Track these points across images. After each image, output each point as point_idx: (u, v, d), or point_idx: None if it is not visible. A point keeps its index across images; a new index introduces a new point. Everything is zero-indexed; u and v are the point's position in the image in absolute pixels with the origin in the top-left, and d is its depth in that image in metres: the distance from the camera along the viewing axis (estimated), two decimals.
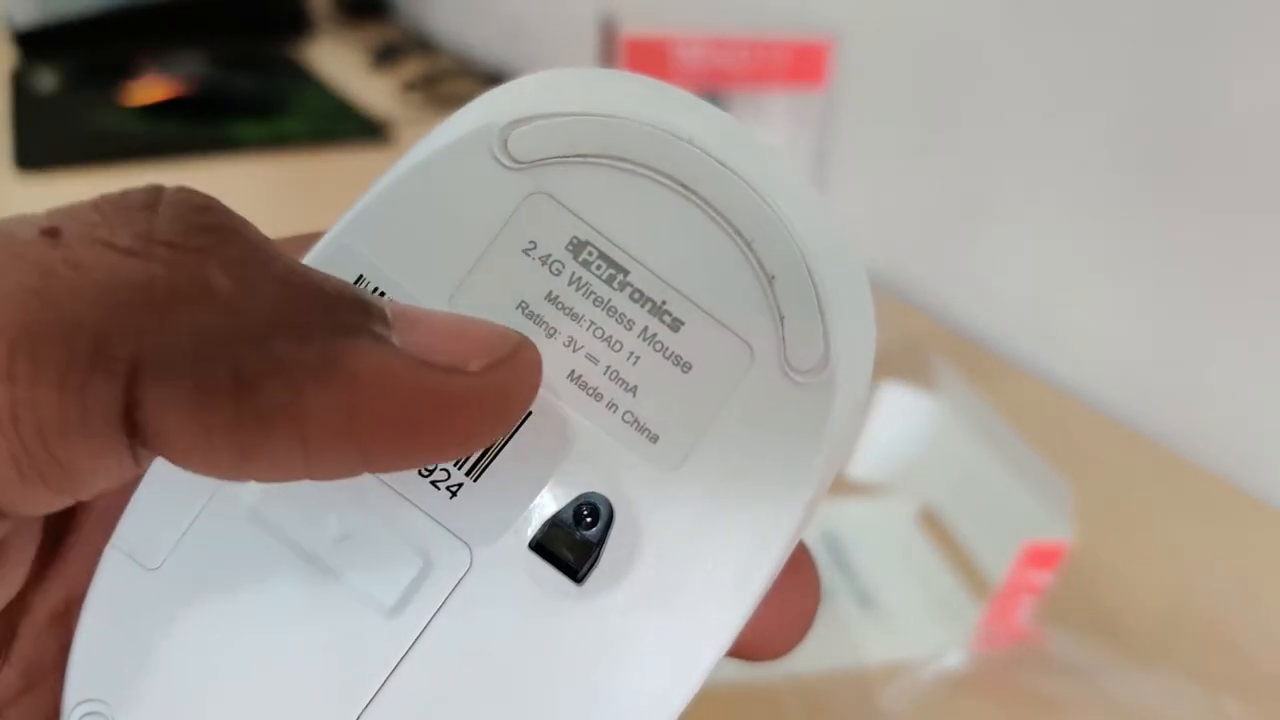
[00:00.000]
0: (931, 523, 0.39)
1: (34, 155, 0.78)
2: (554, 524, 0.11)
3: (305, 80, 1.05)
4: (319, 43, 1.26)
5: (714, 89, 0.47)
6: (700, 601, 0.11)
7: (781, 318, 0.11)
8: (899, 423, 0.40)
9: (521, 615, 0.11)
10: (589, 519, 0.11)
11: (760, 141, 0.12)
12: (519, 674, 0.11)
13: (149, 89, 0.89)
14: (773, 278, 0.11)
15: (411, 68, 1.11)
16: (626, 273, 0.12)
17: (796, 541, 0.12)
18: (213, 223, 0.10)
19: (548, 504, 0.11)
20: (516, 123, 0.12)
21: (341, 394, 0.10)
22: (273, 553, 0.12)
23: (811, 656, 0.32)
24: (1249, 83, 0.42)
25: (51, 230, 0.10)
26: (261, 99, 0.91)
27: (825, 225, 0.12)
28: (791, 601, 0.13)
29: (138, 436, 0.09)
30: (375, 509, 0.11)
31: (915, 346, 0.43)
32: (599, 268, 0.12)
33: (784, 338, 0.11)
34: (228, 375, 0.09)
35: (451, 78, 1.07)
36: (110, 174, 0.76)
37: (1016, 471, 0.35)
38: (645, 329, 0.12)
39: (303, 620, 0.12)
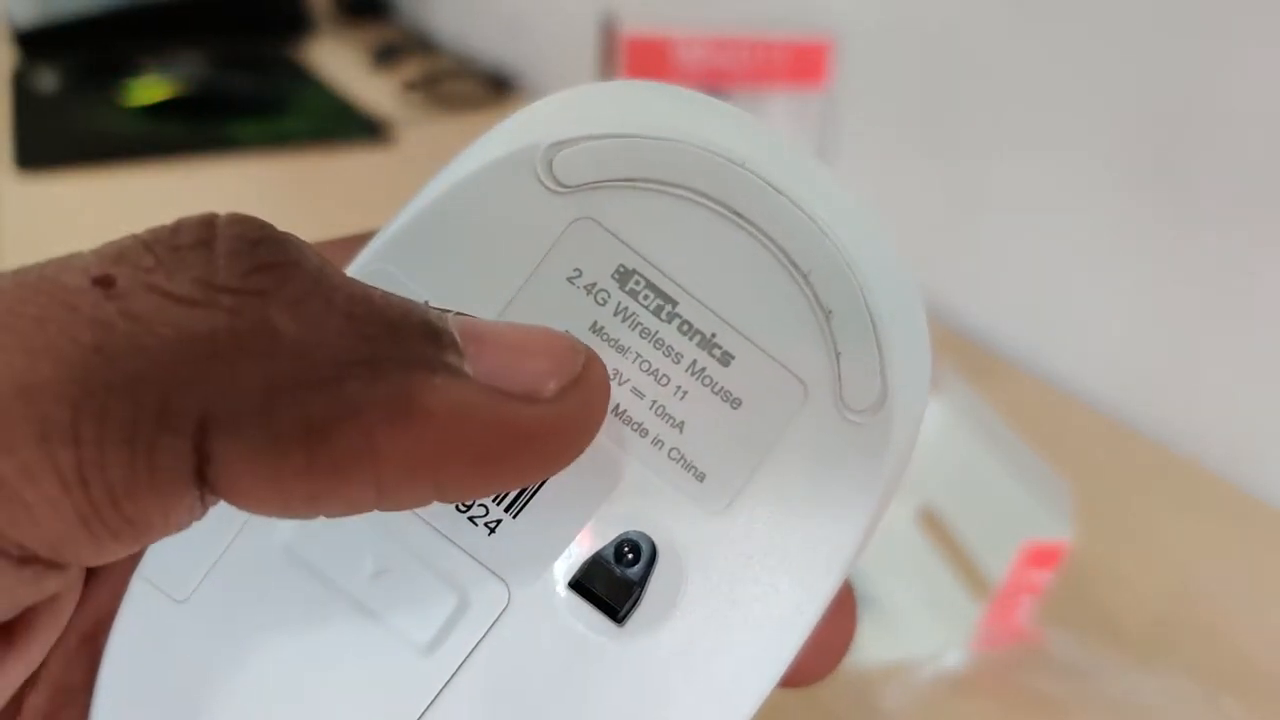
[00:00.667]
0: (931, 522, 0.39)
1: (34, 155, 0.78)
2: (595, 562, 0.11)
3: (305, 80, 1.05)
4: (319, 43, 1.26)
5: (714, 89, 0.47)
6: (744, 646, 0.11)
7: (838, 354, 0.11)
8: None
9: (559, 656, 0.11)
10: (631, 558, 0.11)
11: (816, 161, 0.11)
12: (552, 715, 0.11)
13: (149, 89, 0.89)
14: (830, 312, 0.11)
15: (411, 68, 1.11)
16: (675, 303, 0.11)
17: (850, 568, 0.12)
18: (271, 260, 0.10)
19: (589, 542, 0.11)
20: (561, 144, 0.11)
21: (417, 433, 0.09)
22: (305, 587, 0.11)
23: None
24: (1249, 82, 0.42)
25: (105, 279, 0.09)
26: (261, 99, 0.91)
27: (884, 256, 0.11)
28: (830, 634, 0.12)
29: (208, 486, 0.09)
30: (411, 545, 0.11)
31: None
32: (646, 298, 0.11)
33: (840, 375, 0.11)
34: (299, 425, 0.09)
35: (452, 78, 1.07)
36: (110, 174, 0.76)
37: (1016, 471, 0.35)
38: (694, 363, 0.11)
39: (334, 657, 0.11)
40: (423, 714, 0.11)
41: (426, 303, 0.10)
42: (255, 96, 0.91)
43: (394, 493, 0.09)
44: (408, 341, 0.10)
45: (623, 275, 0.11)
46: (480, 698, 0.11)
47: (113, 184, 0.74)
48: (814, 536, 0.11)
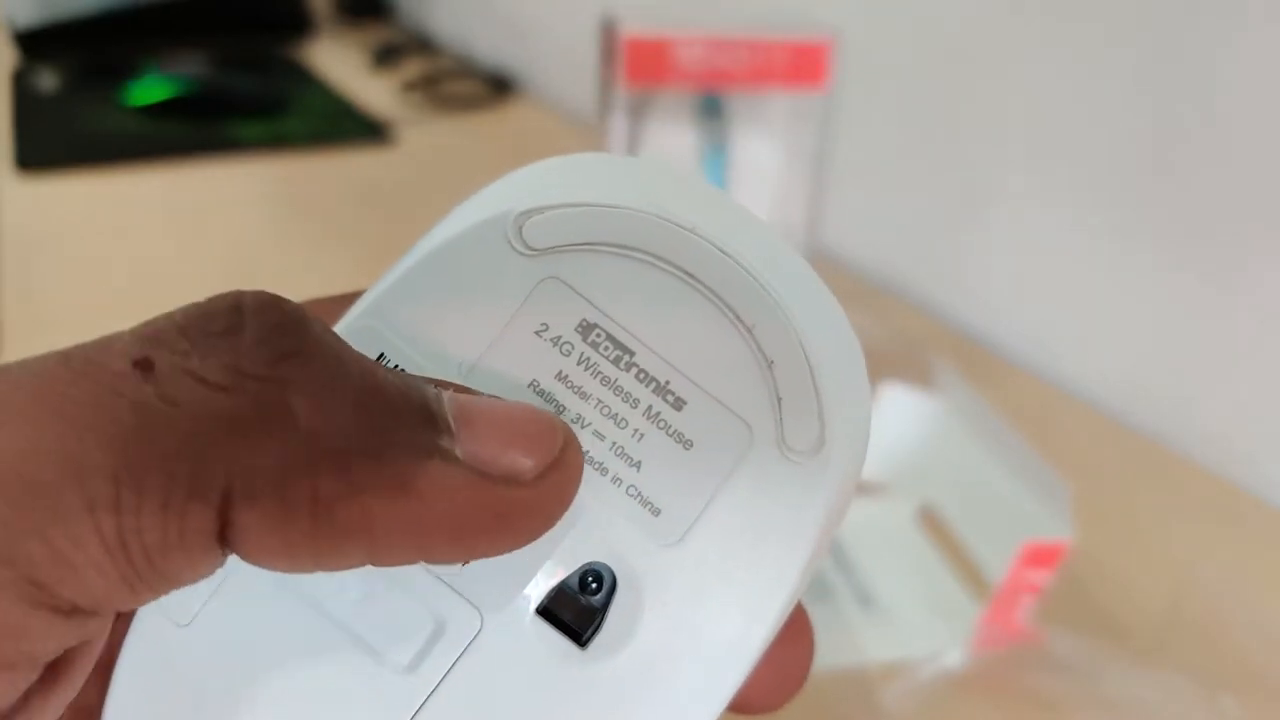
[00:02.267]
0: (931, 522, 0.39)
1: (34, 155, 0.78)
2: (560, 590, 0.12)
3: (305, 80, 1.05)
4: (319, 43, 1.26)
5: (714, 89, 0.47)
6: (698, 668, 0.12)
7: (779, 400, 0.12)
8: (899, 423, 0.40)
9: (528, 676, 0.12)
10: (594, 586, 0.12)
11: (765, 226, 0.13)
12: None
13: (149, 89, 0.89)
14: (771, 363, 0.12)
15: (412, 68, 1.11)
16: (633, 354, 0.12)
17: (792, 608, 0.12)
18: (294, 347, 0.11)
19: (555, 572, 0.12)
20: (530, 211, 0.12)
21: (409, 510, 0.11)
22: (295, 613, 0.12)
23: None
24: (1250, 82, 0.42)
25: (144, 362, 0.10)
26: (262, 99, 0.91)
27: (825, 311, 0.12)
28: (787, 660, 0.13)
29: (228, 545, 0.10)
30: (392, 573, 0.12)
31: (915, 346, 0.43)
32: (606, 349, 0.12)
33: (781, 420, 0.12)
34: (307, 499, 0.10)
35: (452, 78, 1.07)
36: (110, 174, 0.76)
37: (1016, 471, 0.35)
38: (650, 407, 0.12)
39: (321, 676, 0.12)
40: None
41: (427, 381, 0.11)
42: (255, 97, 0.91)
43: (384, 556, 0.11)
44: (407, 427, 0.11)
45: (585, 328, 0.12)
46: (455, 714, 0.12)
47: (113, 184, 0.74)
48: (760, 566, 0.12)
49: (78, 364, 0.10)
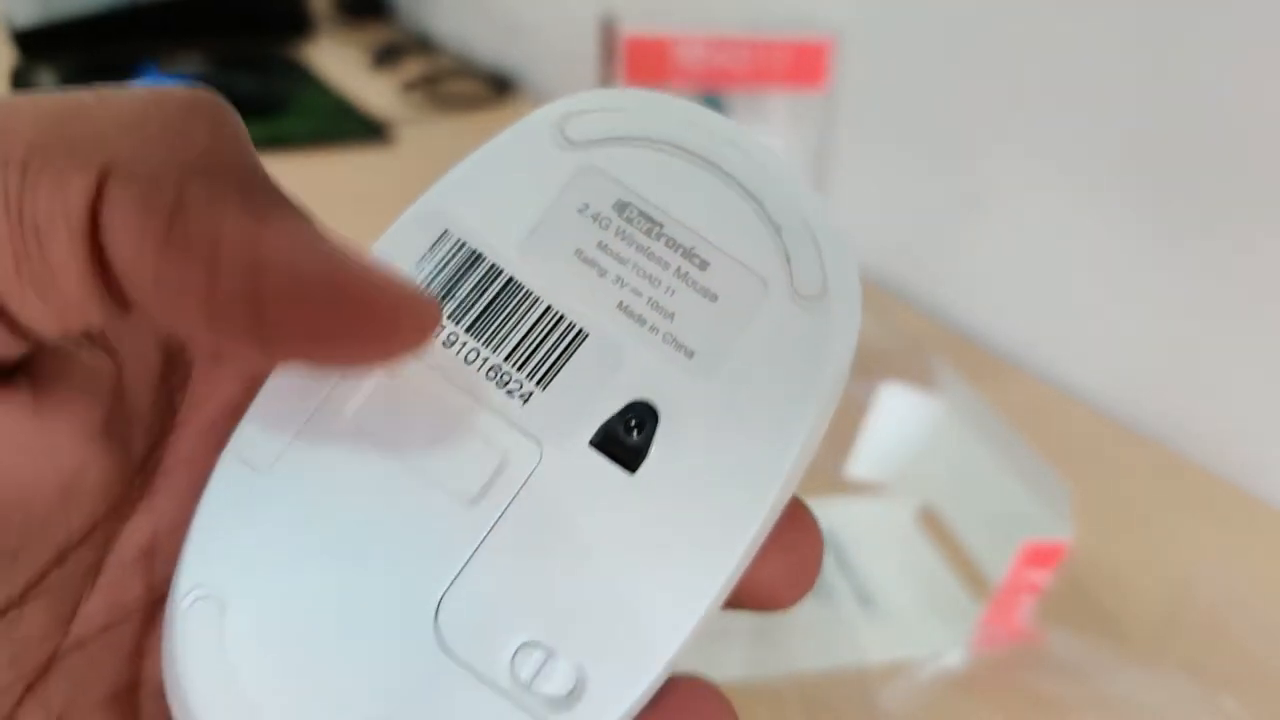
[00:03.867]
0: (931, 522, 0.39)
1: None
2: (609, 424, 0.14)
3: (306, 80, 1.05)
4: (319, 43, 1.26)
5: (714, 89, 0.47)
6: (736, 487, 0.13)
7: (788, 257, 0.14)
8: (899, 422, 0.40)
9: (583, 501, 0.13)
10: (638, 420, 0.14)
11: (759, 139, 0.15)
12: (581, 547, 0.13)
13: None
14: (779, 227, 0.14)
15: (412, 68, 1.11)
16: (661, 225, 0.14)
17: (817, 436, 0.14)
18: (217, 116, 0.12)
19: (605, 408, 0.14)
20: (572, 113, 0.15)
21: (255, 242, 0.11)
22: (369, 455, 0.13)
23: (811, 656, 0.32)
24: (1252, 83, 0.42)
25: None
26: (262, 99, 0.91)
27: (809, 191, 0.15)
28: (797, 550, 0.14)
29: (98, 231, 0.11)
30: (459, 415, 0.14)
31: (915, 346, 0.43)
32: (639, 222, 0.14)
33: (791, 271, 0.14)
34: (172, 196, 0.11)
35: (452, 78, 1.07)
36: None
37: (1016, 471, 0.35)
38: (679, 269, 0.14)
39: (395, 512, 0.13)
40: (471, 555, 0.13)
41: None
42: (255, 97, 0.91)
43: (221, 305, 0.11)
44: (278, 193, 0.11)
45: (620, 206, 0.14)
46: (518, 538, 0.13)
47: None
48: (784, 394, 0.14)
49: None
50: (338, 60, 1.15)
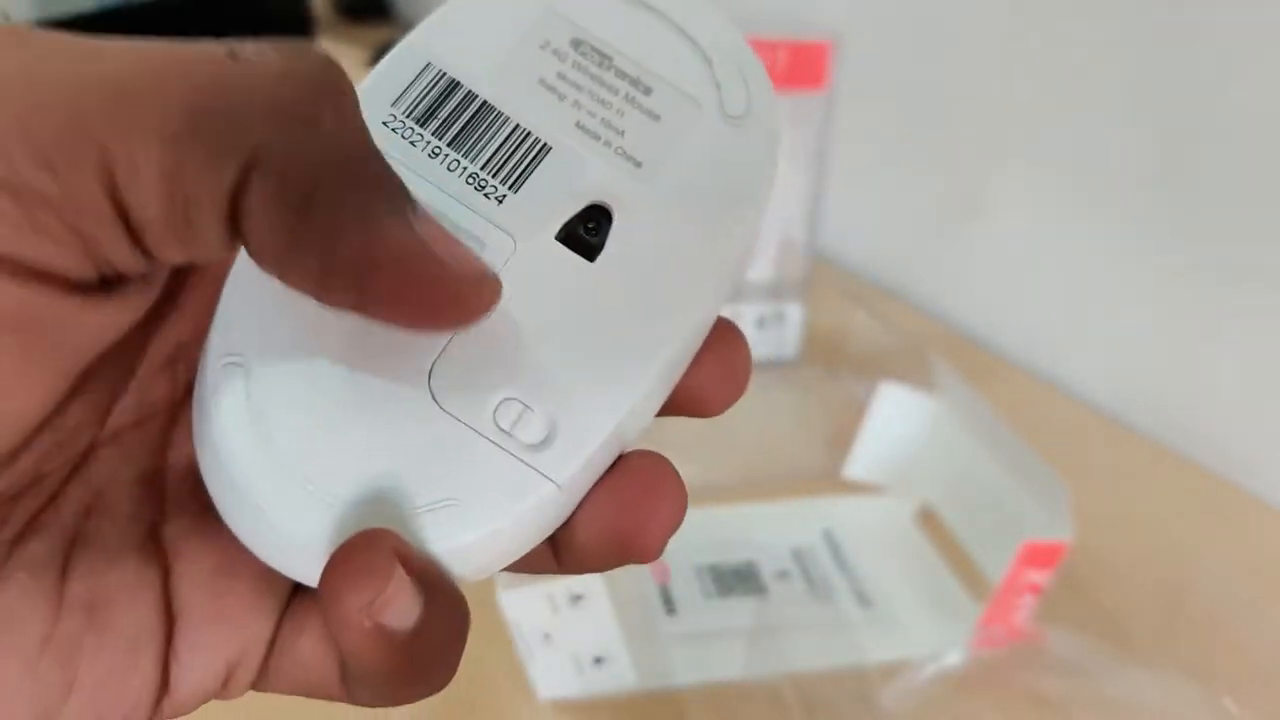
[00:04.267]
0: (930, 522, 0.39)
1: None
2: (571, 223, 0.16)
3: None
4: (320, 43, 1.26)
5: None
6: (684, 273, 0.16)
7: (718, 84, 0.17)
8: (898, 422, 0.40)
9: (550, 283, 0.16)
10: (595, 219, 0.16)
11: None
12: (550, 321, 0.15)
13: None
14: (710, 60, 0.17)
15: None
16: (611, 59, 0.17)
17: (752, 236, 0.17)
18: (340, 86, 0.13)
19: (567, 209, 0.16)
20: None
21: (368, 237, 0.12)
22: None
23: (811, 656, 0.32)
24: (1251, 82, 0.42)
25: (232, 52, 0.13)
26: None
27: (735, 30, 0.17)
28: (726, 358, 0.16)
29: (238, 202, 0.12)
30: (445, 212, 0.15)
31: (915, 346, 0.43)
32: (592, 56, 0.17)
33: (720, 95, 0.17)
34: (307, 182, 0.12)
35: None
36: None
37: (1015, 471, 0.35)
38: (627, 94, 0.17)
39: None
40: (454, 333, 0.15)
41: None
42: None
43: (332, 280, 0.13)
44: (398, 186, 0.13)
45: (575, 43, 0.17)
46: (497, 312, 0.15)
47: None
48: (720, 194, 0.16)
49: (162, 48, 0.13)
50: (338, 59, 1.15)
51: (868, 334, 0.47)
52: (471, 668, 0.31)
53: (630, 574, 0.36)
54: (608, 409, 0.15)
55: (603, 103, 0.17)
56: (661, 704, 0.31)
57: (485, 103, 0.16)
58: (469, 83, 0.16)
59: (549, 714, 0.30)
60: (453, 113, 0.16)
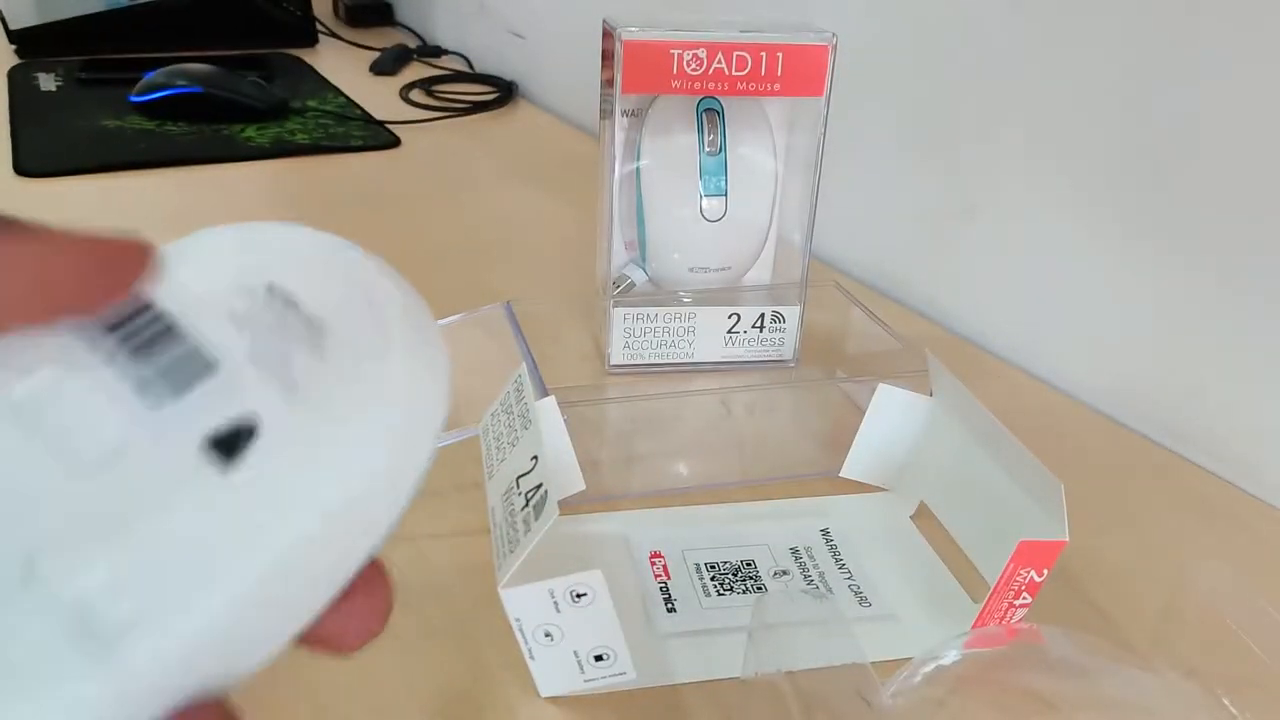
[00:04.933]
0: (928, 522, 0.40)
1: (34, 156, 0.78)
2: (217, 432, 0.17)
3: (310, 84, 1.05)
4: (323, 47, 1.26)
5: (713, 93, 0.47)
6: (302, 501, 0.17)
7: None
8: (896, 423, 0.40)
9: (180, 491, 0.16)
10: (240, 434, 0.17)
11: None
12: (169, 523, 0.16)
13: (151, 91, 0.89)
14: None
15: (414, 72, 1.11)
16: (298, 305, 0.18)
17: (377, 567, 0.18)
18: None
19: (213, 422, 0.17)
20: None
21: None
22: (11, 429, 0.16)
23: (810, 654, 0.33)
24: (1248, 87, 0.42)
25: None
26: (265, 102, 0.91)
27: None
28: (366, 601, 0.17)
29: None
30: (99, 404, 0.16)
31: (913, 347, 0.44)
32: (280, 299, 0.18)
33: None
34: None
35: (454, 82, 1.07)
36: (112, 176, 0.76)
37: (1011, 471, 0.35)
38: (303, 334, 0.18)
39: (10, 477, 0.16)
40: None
41: None
42: (259, 100, 0.91)
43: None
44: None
45: (271, 288, 0.18)
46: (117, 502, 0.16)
47: (114, 185, 0.74)
48: (351, 438, 0.18)
49: None
50: (341, 64, 1.15)
51: (865, 335, 0.47)
52: (472, 664, 0.31)
53: (631, 573, 0.37)
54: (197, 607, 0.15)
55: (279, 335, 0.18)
56: (661, 701, 0.31)
57: (175, 324, 0.17)
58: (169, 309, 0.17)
59: (549, 711, 0.31)
60: (143, 328, 0.17)
